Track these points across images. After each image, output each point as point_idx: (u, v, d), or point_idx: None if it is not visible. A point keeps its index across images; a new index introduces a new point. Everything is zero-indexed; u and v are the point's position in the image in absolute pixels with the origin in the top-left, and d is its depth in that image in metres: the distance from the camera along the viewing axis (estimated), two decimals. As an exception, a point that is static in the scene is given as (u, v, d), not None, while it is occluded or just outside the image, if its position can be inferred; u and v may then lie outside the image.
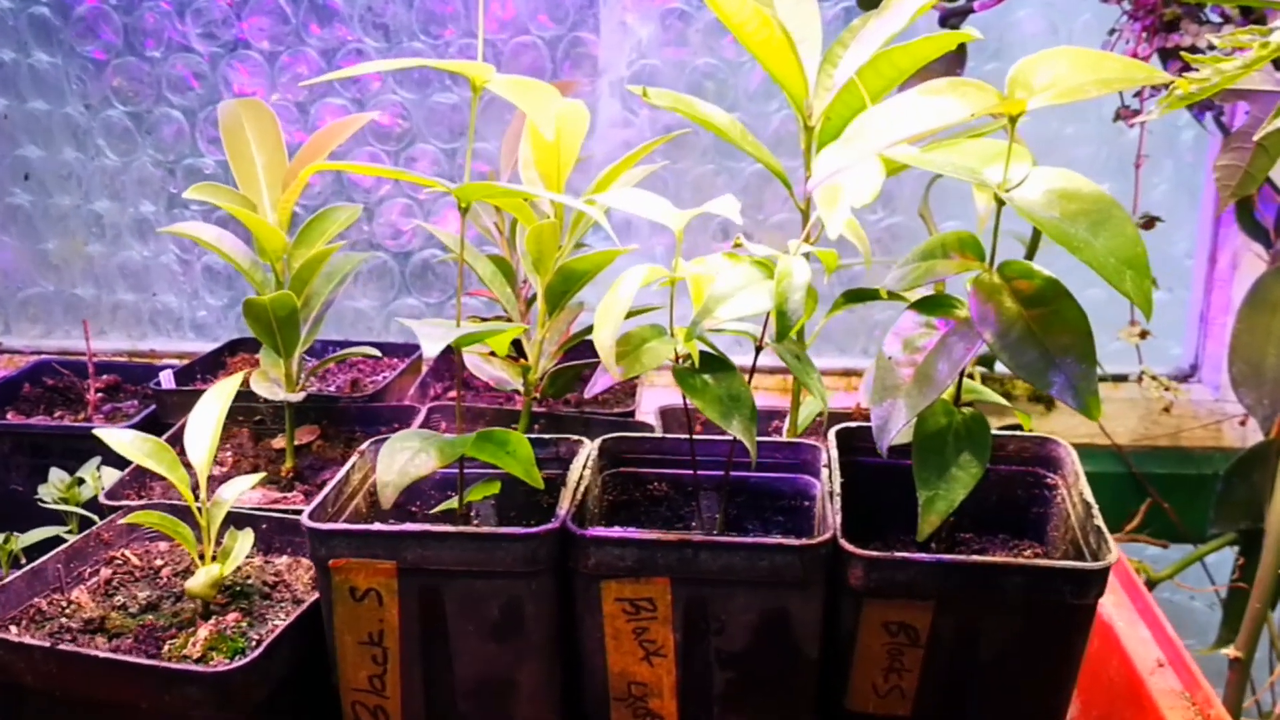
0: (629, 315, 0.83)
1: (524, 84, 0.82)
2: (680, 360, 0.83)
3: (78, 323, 1.98)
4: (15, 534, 1.21)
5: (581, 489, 0.90)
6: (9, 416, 1.42)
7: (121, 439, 0.94)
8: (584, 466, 0.94)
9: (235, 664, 0.83)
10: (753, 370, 0.86)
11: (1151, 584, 1.59)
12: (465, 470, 0.96)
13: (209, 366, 1.49)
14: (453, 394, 1.44)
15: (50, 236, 1.94)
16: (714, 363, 0.84)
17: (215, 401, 0.98)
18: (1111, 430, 1.74)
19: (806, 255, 0.83)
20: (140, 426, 1.24)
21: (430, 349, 0.75)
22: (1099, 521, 0.84)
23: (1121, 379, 1.79)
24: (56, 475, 1.24)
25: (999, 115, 0.73)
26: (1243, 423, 1.73)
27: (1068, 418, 1.76)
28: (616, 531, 0.83)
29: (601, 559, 0.82)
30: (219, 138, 1.17)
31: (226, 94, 1.84)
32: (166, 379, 1.40)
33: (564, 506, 0.86)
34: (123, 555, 1.06)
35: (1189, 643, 1.11)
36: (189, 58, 1.83)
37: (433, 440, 0.86)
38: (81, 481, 1.22)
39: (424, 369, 1.47)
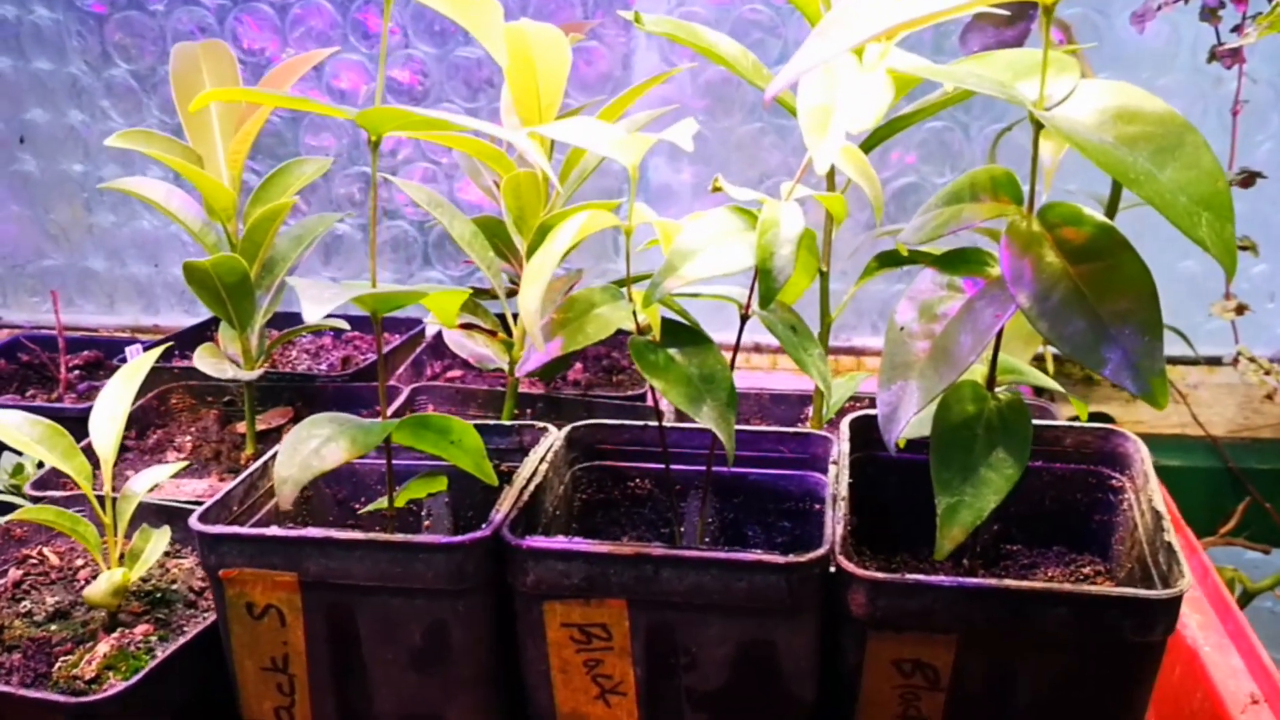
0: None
1: (452, -10, 0.66)
2: (639, 332, 0.67)
3: (85, 294, 1.87)
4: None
5: (533, 487, 0.75)
6: (-36, 397, 1.31)
7: (5, 421, 0.81)
8: (541, 460, 0.79)
9: (107, 691, 0.69)
10: (737, 344, 0.70)
11: (1249, 596, 1.40)
12: (411, 463, 0.81)
13: (191, 340, 1.36)
14: (452, 373, 1.30)
15: (56, 204, 1.83)
16: (683, 334, 0.67)
17: (124, 382, 0.85)
18: (1206, 419, 1.55)
19: (802, 201, 0.66)
20: None
21: (312, 313, 0.60)
22: (1170, 537, 0.67)
23: (1216, 362, 1.59)
24: (8, 460, 1.12)
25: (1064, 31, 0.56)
26: (1359, 412, 1.52)
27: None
28: (560, 543, 0.67)
29: (543, 575, 0.67)
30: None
31: (236, 50, 1.71)
32: (134, 355, 1.27)
33: (502, 509, 0.71)
34: (39, 554, 0.93)
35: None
36: (195, 11, 1.70)
37: (348, 426, 0.71)
38: (23, 469, 1.09)
39: (420, 346, 1.32)
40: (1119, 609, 0.62)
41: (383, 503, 0.77)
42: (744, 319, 0.69)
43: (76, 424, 1.00)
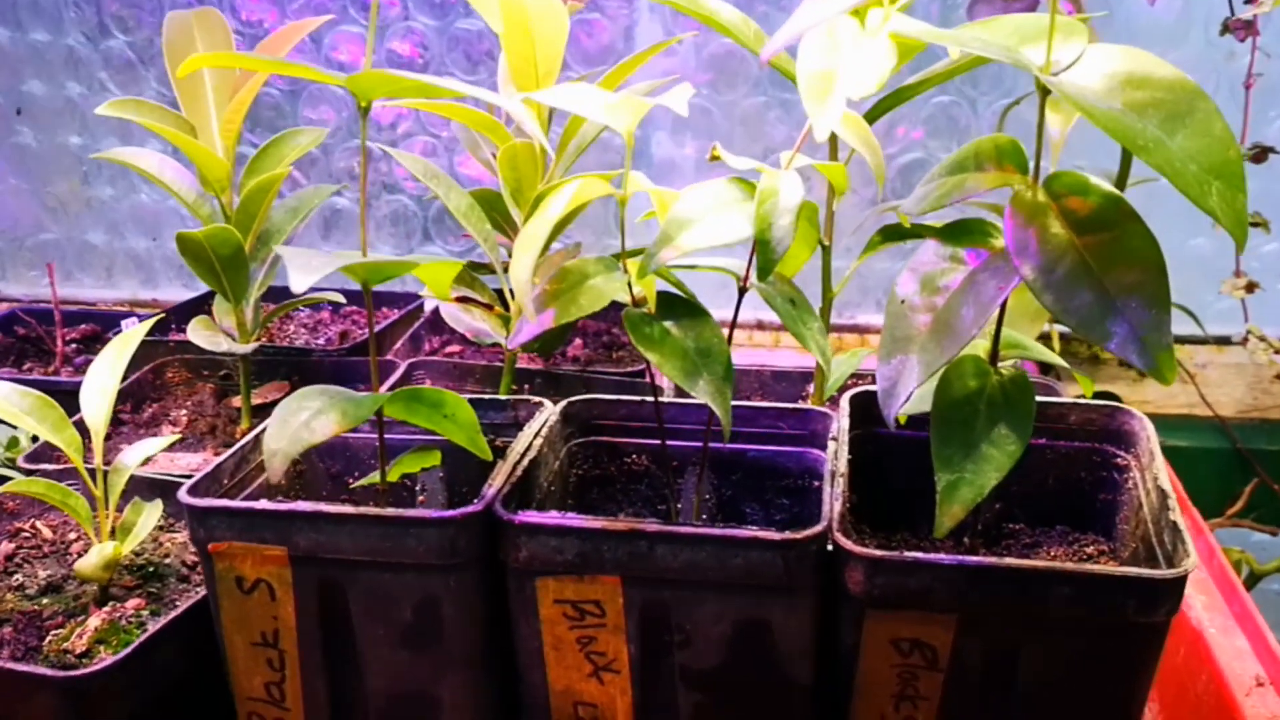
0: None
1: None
2: (635, 304, 0.65)
3: (84, 268, 1.86)
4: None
5: (527, 461, 0.73)
6: (-40, 370, 1.30)
7: (-7, 393, 0.80)
8: (535, 434, 0.77)
9: (95, 666, 0.68)
10: (735, 316, 0.68)
11: (1256, 578, 1.39)
12: (406, 436, 0.80)
13: (187, 313, 1.34)
14: (450, 348, 1.29)
15: (55, 177, 1.82)
16: (679, 306, 0.66)
17: (116, 354, 0.84)
18: (1214, 400, 1.53)
19: (802, 170, 0.64)
20: None
21: (298, 282, 0.58)
22: (1175, 516, 0.65)
23: (1226, 341, 1.57)
24: (3, 433, 1.11)
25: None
26: (1368, 393, 1.50)
27: (1162, 386, 1.55)
28: (553, 518, 0.65)
29: (536, 551, 0.65)
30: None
31: (234, 22, 1.69)
32: (128, 328, 1.25)
33: (495, 484, 0.69)
34: (32, 527, 0.92)
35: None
36: (193, -19, 1.69)
37: (339, 399, 0.70)
38: (18, 442, 1.08)
39: (418, 321, 1.31)
40: (1123, 589, 0.61)
41: (375, 477, 0.76)
42: (742, 291, 0.68)
43: (72, 397, 0.99)
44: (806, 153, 0.66)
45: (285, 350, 1.19)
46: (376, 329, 1.27)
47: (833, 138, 0.83)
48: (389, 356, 1.19)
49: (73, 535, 0.92)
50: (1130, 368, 1.55)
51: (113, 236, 1.85)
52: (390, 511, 0.66)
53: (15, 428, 1.09)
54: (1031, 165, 0.59)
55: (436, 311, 1.33)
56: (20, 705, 0.69)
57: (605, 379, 1.11)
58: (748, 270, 0.67)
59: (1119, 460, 0.78)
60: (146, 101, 0.97)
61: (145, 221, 1.82)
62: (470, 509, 0.66)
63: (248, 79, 0.98)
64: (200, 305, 1.39)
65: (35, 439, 1.07)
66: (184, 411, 1.13)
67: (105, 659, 0.71)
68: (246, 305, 1.04)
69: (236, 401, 1.14)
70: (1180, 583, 0.61)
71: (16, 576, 0.86)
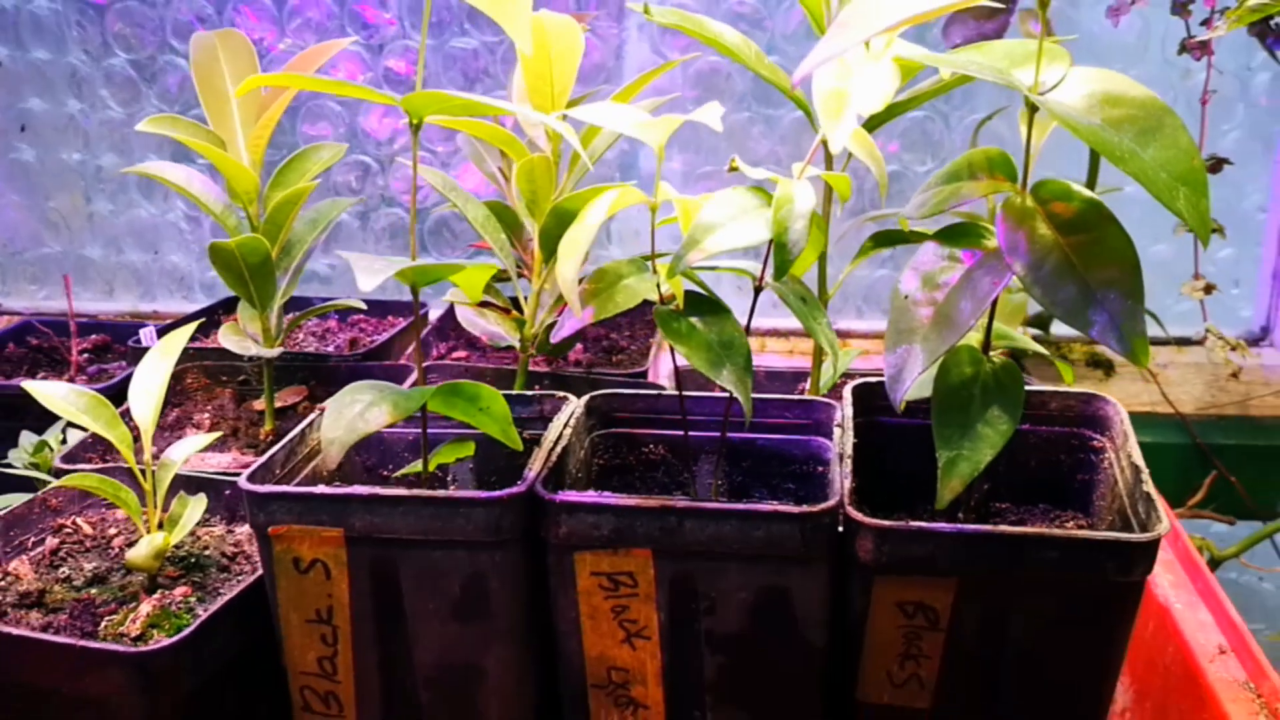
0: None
1: (484, -17, 0.71)
2: (663, 301, 0.72)
3: (82, 283, 1.90)
4: (-19, 502, 1.13)
5: (559, 449, 0.80)
6: (-17, 378, 1.35)
7: (53, 394, 0.86)
8: (564, 425, 0.84)
9: (162, 643, 0.74)
10: (751, 313, 0.75)
11: (1215, 563, 1.47)
12: (438, 430, 0.86)
13: (200, 324, 1.40)
14: (457, 353, 1.35)
15: (54, 193, 1.87)
16: (703, 304, 0.73)
17: (162, 357, 0.89)
18: (1175, 398, 1.62)
19: (813, 180, 0.71)
20: (124, 387, 1.17)
21: (365, 282, 0.64)
22: (1149, 487, 0.73)
23: (1186, 342, 1.66)
24: (27, 439, 1.16)
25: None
26: (1319, 389, 1.59)
27: (1128, 384, 1.64)
28: (590, 496, 0.72)
29: (574, 528, 0.72)
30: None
31: (233, 41, 1.75)
32: (148, 337, 1.31)
33: (534, 468, 0.76)
34: (73, 523, 0.97)
35: (1256, 628, 0.99)
36: (194, 2, 1.74)
37: (389, 393, 0.76)
38: (47, 445, 1.13)
39: (426, 328, 1.37)
40: (1103, 551, 0.68)
41: (417, 466, 0.82)
42: (758, 290, 0.75)
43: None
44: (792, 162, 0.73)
45: (303, 356, 1.25)
46: (386, 337, 1.34)
47: (828, 150, 0.90)
48: (403, 361, 1.25)
49: (112, 531, 0.97)
50: (1097, 368, 1.64)
51: (110, 251, 1.90)
52: (442, 493, 0.72)
53: (39, 434, 1.15)
54: (1020, 174, 0.67)
55: (441, 319, 1.40)
56: (93, 680, 0.74)
57: (608, 379, 1.17)
58: (763, 271, 0.74)
59: (1095, 443, 0.85)
60: (182, 119, 1.03)
61: (144, 236, 1.87)
62: (515, 490, 0.72)
63: (276, 96, 1.04)
64: (210, 316, 1.44)
65: (64, 442, 1.13)
66: (206, 415, 1.18)
67: (162, 640, 0.76)
68: (271, 312, 1.10)
69: (256, 405, 1.19)
70: (1154, 545, 0.68)
71: (63, 569, 0.91)
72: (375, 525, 0.73)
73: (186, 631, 0.75)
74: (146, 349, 1.27)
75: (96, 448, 1.09)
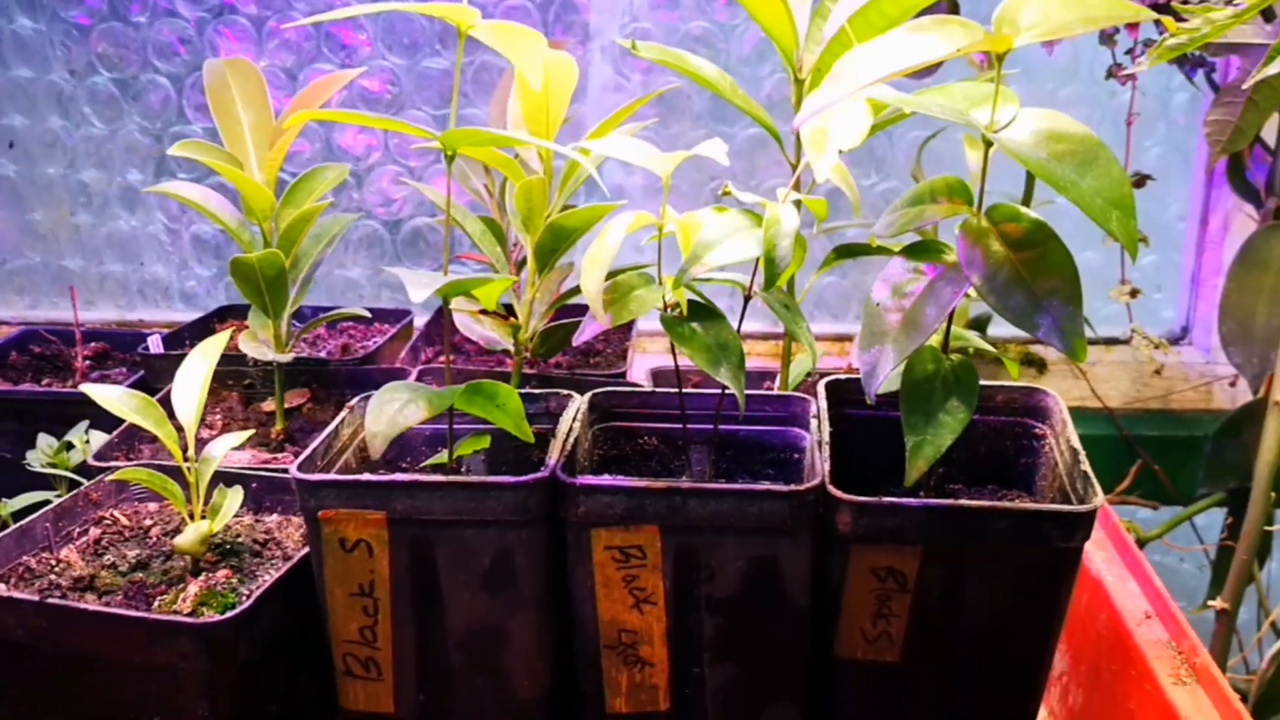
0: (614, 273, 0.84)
1: (509, 29, 0.81)
2: (669, 309, 0.83)
3: (65, 294, 1.97)
4: (4, 499, 1.21)
5: (571, 440, 0.90)
6: (-8, 384, 1.42)
7: (109, 395, 0.94)
8: (573, 419, 0.94)
9: (226, 615, 0.83)
10: (741, 319, 0.86)
11: (1141, 544, 1.60)
12: (455, 426, 0.96)
13: (198, 332, 1.48)
14: (442, 358, 1.44)
15: (37, 206, 1.93)
16: (702, 311, 0.84)
17: (202, 359, 0.98)
18: (1103, 393, 1.75)
19: (796, 204, 0.82)
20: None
21: (416, 294, 0.74)
22: (1085, 467, 0.85)
23: (1114, 342, 1.80)
24: (45, 440, 1.24)
25: (986, 53, 0.73)
26: (1233, 384, 1.73)
27: (1059, 381, 1.77)
28: (606, 480, 0.82)
29: (591, 507, 0.82)
30: (206, 104, 1.16)
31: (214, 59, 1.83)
32: (155, 344, 1.39)
33: (554, 456, 0.86)
34: (111, 515, 1.05)
35: (1177, 604, 1.11)
36: (175, 23, 1.82)
37: (422, 392, 0.86)
38: (70, 446, 1.21)
39: (414, 334, 1.46)
40: (1048, 521, 0.80)
41: (442, 457, 0.92)
42: (747, 299, 0.85)
43: (96, 408, 1.15)
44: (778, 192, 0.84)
45: (305, 360, 1.33)
46: (377, 344, 1.43)
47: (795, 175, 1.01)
48: (399, 364, 1.34)
49: (148, 522, 1.05)
50: (1030, 366, 1.77)
51: (92, 262, 1.96)
52: (475, 479, 0.82)
53: (59, 437, 1.23)
54: (976, 199, 0.78)
55: (427, 326, 1.49)
56: (163, 651, 0.83)
57: (590, 380, 1.27)
58: (751, 281, 0.85)
59: (1037, 431, 0.97)
60: (206, 144, 1.12)
61: (126, 248, 1.93)
62: (539, 475, 0.82)
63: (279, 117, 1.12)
64: (206, 324, 1.52)
65: (88, 442, 1.21)
66: (218, 416, 1.27)
67: (226, 613, 0.85)
68: (282, 320, 1.19)
69: (265, 406, 1.28)
70: (1091, 516, 0.80)
71: (107, 556, 0.99)
72: (415, 508, 0.83)
73: (245, 606, 0.84)
74: (152, 355, 1.36)
75: (121, 447, 1.17)
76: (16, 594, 0.87)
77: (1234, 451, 1.52)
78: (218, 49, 1.83)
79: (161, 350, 1.39)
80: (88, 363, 1.49)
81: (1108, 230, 0.70)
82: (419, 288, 0.75)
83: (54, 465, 1.22)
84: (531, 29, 0.83)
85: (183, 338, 1.46)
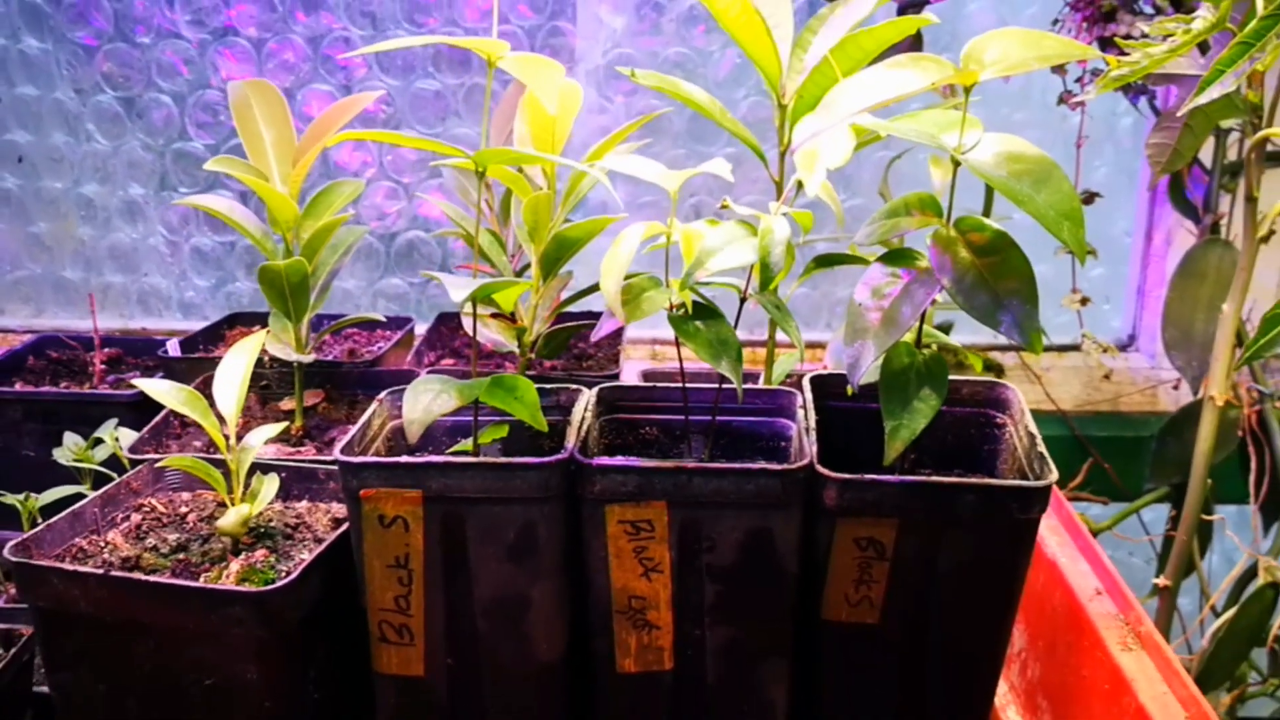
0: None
1: (532, 60, 0.91)
2: (674, 309, 0.93)
3: (67, 304, 2.05)
4: (33, 494, 1.29)
5: (584, 428, 1.00)
6: (17, 386, 1.50)
7: (159, 388, 1.03)
8: (585, 409, 1.04)
9: (276, 585, 0.92)
10: (737, 319, 0.96)
11: (1093, 534, 1.72)
12: (468, 419, 1.06)
13: (210, 338, 1.58)
14: (445, 361, 1.54)
15: (40, 219, 2.01)
16: (704, 311, 0.94)
17: (241, 355, 1.07)
18: (1057, 397, 1.87)
19: (785, 215, 0.93)
20: (143, 395, 1.35)
21: (457, 295, 0.84)
22: (1041, 449, 0.96)
23: (1067, 349, 1.92)
24: (71, 438, 1.32)
25: (955, 85, 0.84)
26: (1176, 387, 1.86)
27: (1015, 384, 1.88)
28: (619, 460, 0.92)
29: (606, 485, 0.92)
30: (207, 122, 1.25)
31: (215, 80, 1.92)
32: (173, 348, 1.48)
33: (571, 440, 0.96)
34: (149, 503, 1.14)
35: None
36: (178, 44, 1.91)
37: (451, 384, 0.96)
38: (100, 441, 1.29)
39: (416, 340, 1.56)
40: (1010, 495, 0.91)
41: (466, 445, 1.02)
42: (742, 301, 0.96)
43: (116, 409, 1.24)
44: (756, 206, 0.95)
45: (319, 363, 1.42)
46: (383, 348, 1.52)
47: (781, 191, 1.12)
48: (406, 367, 1.44)
49: (184, 509, 1.14)
50: (990, 370, 1.88)
51: (91, 273, 2.05)
52: (502, 460, 0.92)
53: (84, 436, 1.31)
54: (945, 212, 0.89)
55: (429, 332, 1.59)
56: (219, 617, 0.92)
57: (586, 381, 1.36)
58: (746, 285, 0.95)
59: (998, 420, 1.08)
60: (237, 159, 1.21)
61: (127, 259, 2.02)
62: (560, 456, 0.92)
63: (314, 140, 1.22)
64: (217, 330, 1.61)
65: (118, 439, 1.29)
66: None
67: (288, 579, 0.93)
68: (303, 324, 1.28)
69: (282, 405, 1.37)
70: (1048, 490, 0.91)
71: (149, 540, 1.08)
72: (448, 486, 0.92)
73: (292, 577, 0.93)
74: (171, 358, 1.45)
75: (151, 442, 1.26)
76: (82, 568, 0.96)
77: (1176, 448, 1.64)
78: (218, 69, 1.92)
79: (179, 354, 1.48)
80: (102, 367, 1.57)
81: (1060, 239, 0.82)
82: (458, 289, 0.85)
83: (80, 461, 1.30)
84: (551, 60, 0.93)
85: (197, 342, 1.55)
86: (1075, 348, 1.85)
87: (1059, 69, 1.50)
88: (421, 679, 0.99)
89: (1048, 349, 1.89)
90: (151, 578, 0.95)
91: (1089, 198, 1.60)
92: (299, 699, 0.97)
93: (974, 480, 0.91)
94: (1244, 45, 0.97)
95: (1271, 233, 1.14)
